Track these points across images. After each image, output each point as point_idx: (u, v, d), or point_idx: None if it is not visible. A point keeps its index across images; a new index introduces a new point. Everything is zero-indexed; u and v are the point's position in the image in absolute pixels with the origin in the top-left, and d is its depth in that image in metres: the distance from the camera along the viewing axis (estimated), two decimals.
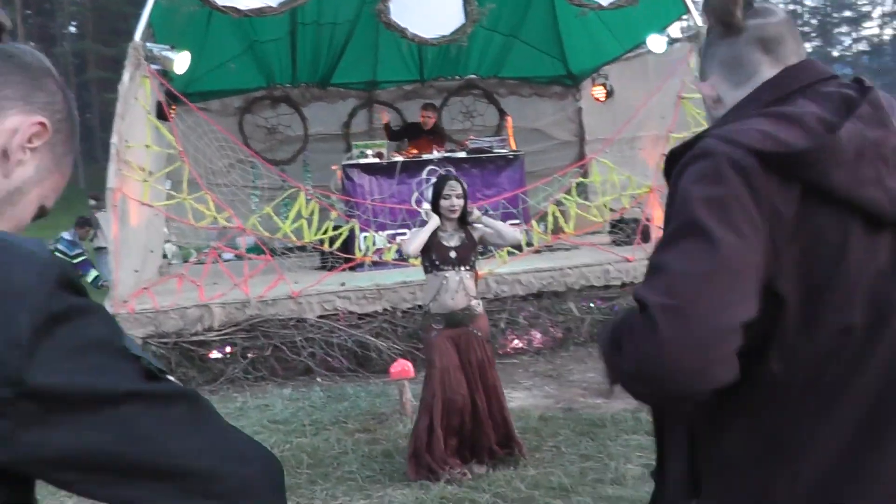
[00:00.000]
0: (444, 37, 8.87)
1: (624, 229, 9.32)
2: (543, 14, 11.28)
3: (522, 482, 4.35)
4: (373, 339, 7.12)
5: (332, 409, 5.97)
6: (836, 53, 53.79)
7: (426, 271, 4.67)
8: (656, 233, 8.62)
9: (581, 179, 9.46)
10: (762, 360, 1.21)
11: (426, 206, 6.98)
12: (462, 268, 4.57)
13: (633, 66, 10.94)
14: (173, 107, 8.42)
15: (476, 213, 4.72)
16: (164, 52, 7.61)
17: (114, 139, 7.09)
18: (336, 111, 12.24)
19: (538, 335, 7.60)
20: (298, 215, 7.86)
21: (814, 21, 56.13)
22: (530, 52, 11.97)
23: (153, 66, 7.68)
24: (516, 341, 7.55)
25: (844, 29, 57.11)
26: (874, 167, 1.20)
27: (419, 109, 10.60)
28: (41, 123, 1.03)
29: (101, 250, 11.44)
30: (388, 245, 8.55)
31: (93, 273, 11.11)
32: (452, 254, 4.58)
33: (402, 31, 8.63)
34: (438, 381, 4.47)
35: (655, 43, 9.21)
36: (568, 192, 8.82)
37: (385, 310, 7.38)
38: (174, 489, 0.93)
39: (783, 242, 1.19)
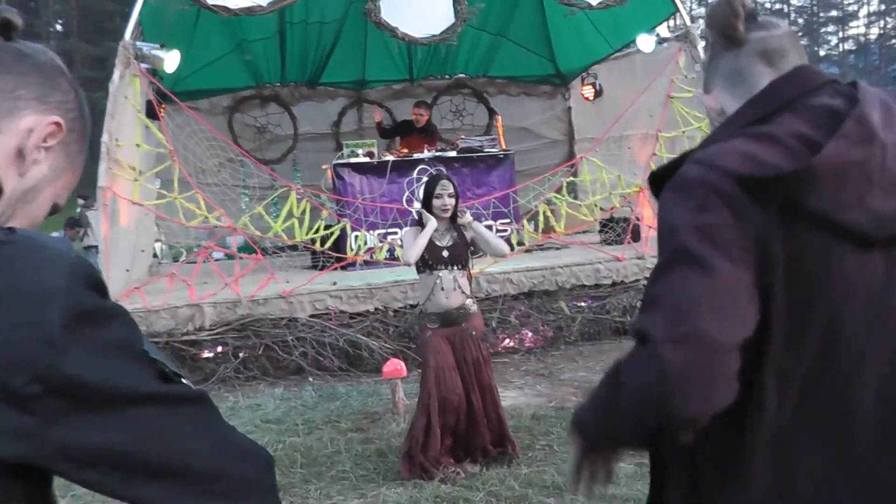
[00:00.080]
0: (434, 36, 8.89)
1: (614, 228, 9.35)
2: (532, 13, 11.31)
3: (516, 481, 4.37)
4: (364, 338, 7.13)
5: (325, 409, 5.97)
6: (822, 52, 54.10)
7: (419, 271, 4.67)
8: (646, 232, 8.66)
9: (571, 178, 9.48)
10: (755, 378, 1.21)
11: (417, 205, 6.99)
12: (455, 267, 4.57)
13: (621, 66, 10.99)
14: (163, 105, 8.40)
15: (467, 217, 4.70)
16: (154, 51, 7.58)
17: (104, 138, 7.07)
18: (325, 110, 12.24)
19: (529, 334, 7.62)
20: (290, 214, 7.86)
21: (800, 20, 56.40)
22: (519, 51, 12.00)
23: (143, 65, 7.66)
24: (508, 340, 7.57)
25: (831, 28, 57.45)
26: (855, 189, 1.19)
27: (409, 108, 10.61)
28: (56, 123, 1.03)
29: (90, 249, 11.41)
30: (380, 244, 8.55)
31: None
32: (445, 253, 4.58)
33: (392, 31, 8.63)
34: (434, 380, 4.48)
35: (644, 42, 9.26)
36: (558, 191, 8.85)
37: (376, 309, 7.39)
38: (184, 488, 0.96)
39: (769, 263, 1.19)
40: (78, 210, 14.29)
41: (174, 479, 0.95)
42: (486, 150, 9.55)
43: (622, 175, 8.90)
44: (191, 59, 8.95)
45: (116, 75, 7.28)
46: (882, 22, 56.05)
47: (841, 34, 57.29)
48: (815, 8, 57.31)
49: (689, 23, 9.43)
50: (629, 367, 1.21)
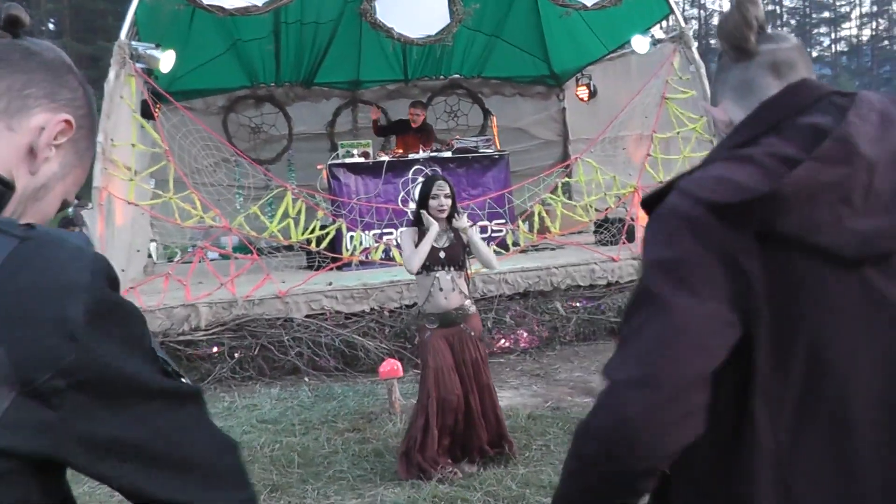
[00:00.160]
0: (429, 37, 8.90)
1: (609, 229, 9.37)
2: (526, 14, 11.32)
3: (513, 481, 4.38)
4: (360, 338, 7.13)
5: (321, 409, 5.97)
6: (815, 54, 54.28)
7: (416, 272, 4.68)
8: (641, 232, 8.68)
9: (566, 179, 9.51)
10: (746, 403, 1.21)
11: (412, 205, 6.95)
12: (452, 268, 4.58)
13: (616, 67, 11.01)
14: (158, 105, 8.39)
15: (463, 221, 4.65)
16: (149, 51, 7.59)
17: (99, 138, 7.05)
18: (320, 110, 12.24)
19: (525, 334, 7.64)
20: (285, 214, 7.86)
21: (793, 21, 56.61)
22: (513, 51, 12.01)
23: (138, 65, 7.65)
24: (503, 340, 7.59)
25: (823, 29, 57.64)
26: (831, 210, 1.17)
27: (404, 108, 10.61)
28: (66, 121, 1.04)
29: None
30: (375, 245, 8.56)
31: None
32: (442, 254, 4.58)
33: (387, 31, 8.64)
34: (433, 380, 4.48)
35: (639, 43, 9.28)
36: (553, 191, 8.88)
37: (372, 309, 7.39)
38: (187, 480, 0.99)
39: (748, 288, 1.18)
40: (70, 210, 14.23)
41: (179, 472, 0.98)
42: (482, 150, 9.57)
43: (617, 176, 8.93)
44: (185, 59, 8.94)
45: (112, 75, 7.27)
46: (874, 23, 56.31)
47: (833, 35, 57.51)
48: (807, 9, 57.52)
49: (683, 24, 9.47)
50: (593, 412, 1.23)
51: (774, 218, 1.17)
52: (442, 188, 4.69)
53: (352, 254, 8.43)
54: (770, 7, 54.10)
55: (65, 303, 0.88)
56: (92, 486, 4.42)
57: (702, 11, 58.21)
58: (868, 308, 1.20)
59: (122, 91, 7.43)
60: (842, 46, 57.04)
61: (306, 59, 11.50)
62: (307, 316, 7.24)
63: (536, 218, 8.65)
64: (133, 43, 7.56)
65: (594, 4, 8.83)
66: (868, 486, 1.19)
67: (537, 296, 7.90)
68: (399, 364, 5.85)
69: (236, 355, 6.96)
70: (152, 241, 9.96)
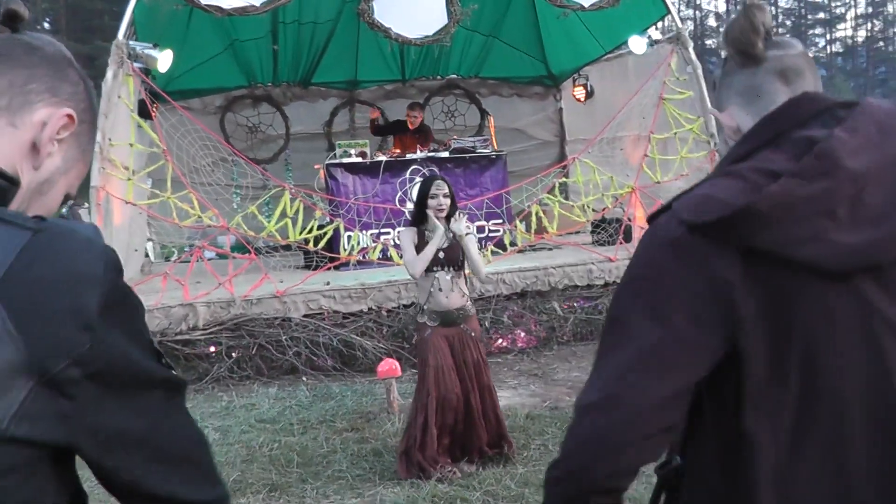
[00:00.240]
0: (427, 37, 8.90)
1: (606, 229, 9.39)
2: (524, 14, 11.33)
3: (512, 480, 4.39)
4: (358, 338, 7.14)
5: (319, 408, 5.98)
6: (810, 55, 54.36)
7: None
8: (638, 232, 8.72)
9: (563, 179, 9.52)
10: (735, 417, 1.22)
11: (409, 205, 6.94)
12: (451, 268, 4.58)
13: (613, 67, 11.03)
14: (156, 105, 8.38)
15: (462, 227, 4.59)
16: (147, 51, 7.57)
17: (98, 137, 7.04)
18: (317, 110, 12.24)
19: (522, 334, 7.65)
20: (283, 214, 7.86)
21: (788, 22, 56.73)
22: (511, 52, 12.02)
23: (136, 65, 7.64)
24: (501, 340, 7.60)
25: (818, 31, 57.77)
26: (811, 224, 1.16)
27: (401, 108, 10.60)
28: (68, 115, 1.05)
29: None
30: (373, 244, 8.57)
31: None
32: (441, 255, 4.58)
33: (385, 31, 8.64)
34: (433, 379, 4.48)
35: (636, 44, 9.29)
36: (550, 191, 8.89)
37: (370, 309, 7.40)
38: (178, 475, 1.01)
39: (732, 306, 1.18)
40: (65, 210, 14.22)
41: (173, 465, 1.01)
42: (479, 150, 9.58)
43: (614, 176, 8.94)
44: (183, 59, 8.93)
45: (110, 74, 7.26)
46: (869, 24, 56.44)
47: (828, 36, 57.64)
48: (802, 10, 57.64)
49: (680, 25, 9.49)
50: (565, 436, 1.29)
51: (754, 233, 1.17)
52: (441, 188, 4.69)
53: (349, 253, 8.43)
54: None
55: (80, 293, 0.89)
56: (91, 485, 4.42)
57: (697, 12, 58.31)
58: (861, 320, 1.19)
59: (120, 91, 7.42)
60: (837, 47, 57.19)
61: (304, 59, 11.50)
62: (305, 315, 7.24)
63: (534, 218, 8.66)
64: (131, 42, 7.55)
65: (591, 5, 8.84)
66: (865, 496, 1.20)
67: (535, 296, 7.91)
68: (397, 364, 5.85)
69: (234, 355, 6.96)
70: (149, 240, 9.95)
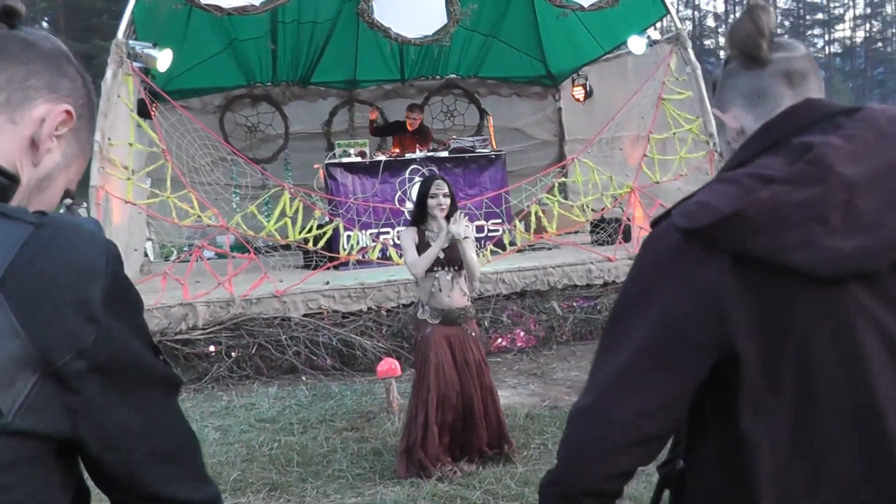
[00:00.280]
0: (427, 37, 8.90)
1: (605, 229, 9.40)
2: (523, 14, 11.33)
3: (512, 479, 4.40)
4: (357, 337, 7.14)
5: (319, 408, 5.98)
6: (812, 57, 54.41)
7: None
8: (637, 232, 8.73)
9: (563, 179, 9.53)
10: (733, 418, 1.22)
11: (409, 204, 6.94)
12: (452, 268, 4.58)
13: (612, 67, 11.04)
14: (155, 104, 8.39)
15: (461, 230, 4.49)
16: (147, 50, 7.57)
17: (97, 137, 7.04)
18: (316, 110, 12.23)
19: (521, 334, 7.66)
20: (282, 214, 7.86)
21: (786, 23, 56.78)
22: (510, 52, 12.03)
23: (135, 64, 7.64)
24: (500, 340, 7.60)
25: (817, 31, 57.81)
26: (802, 230, 1.16)
27: (400, 108, 10.60)
28: (67, 111, 1.04)
29: None
30: (372, 244, 8.57)
31: None
32: (441, 255, 4.57)
33: (385, 31, 8.64)
34: (434, 376, 4.47)
35: (635, 44, 9.30)
36: (550, 191, 8.89)
37: (370, 308, 7.40)
38: (173, 473, 1.02)
39: (729, 308, 1.18)
40: (62, 211, 14.22)
41: (170, 463, 1.02)
42: (478, 150, 9.58)
43: (613, 176, 8.95)
44: (182, 58, 8.93)
45: (109, 74, 7.26)
46: (868, 25, 56.50)
47: (827, 37, 57.68)
48: (801, 10, 57.69)
49: (679, 25, 9.49)
50: (561, 438, 1.35)
51: (745, 239, 1.17)
52: (441, 187, 4.69)
53: (349, 253, 8.43)
54: None
55: (83, 286, 0.90)
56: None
57: (696, 12, 58.34)
58: (856, 326, 1.19)
59: (120, 90, 7.42)
60: (836, 48, 57.23)
61: (303, 59, 11.50)
62: (304, 315, 7.24)
63: (533, 218, 8.66)
64: (130, 42, 7.55)
65: (591, 5, 8.84)
66: (865, 497, 1.20)
67: (534, 295, 7.92)
68: (397, 363, 5.86)
69: (234, 354, 6.96)
70: (149, 240, 9.95)
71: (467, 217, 4.88)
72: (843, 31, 57.66)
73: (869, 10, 56.64)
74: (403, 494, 4.29)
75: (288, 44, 11.08)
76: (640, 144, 9.18)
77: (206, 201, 7.72)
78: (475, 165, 9.53)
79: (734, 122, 1.38)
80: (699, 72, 8.98)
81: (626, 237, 8.79)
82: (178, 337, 6.89)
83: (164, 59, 7.61)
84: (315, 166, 9.78)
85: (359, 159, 9.22)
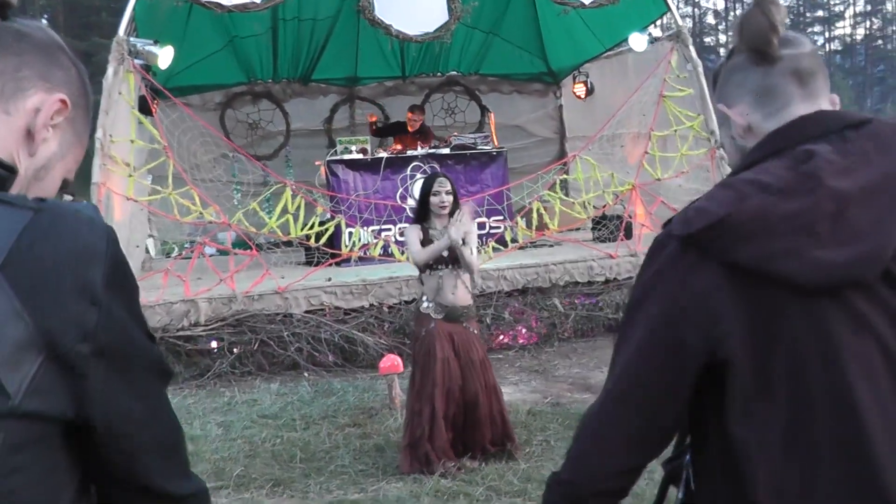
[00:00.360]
0: (428, 34, 8.89)
1: (607, 226, 9.40)
2: (524, 11, 11.33)
3: (515, 476, 4.41)
4: (359, 334, 7.15)
5: (321, 404, 5.99)
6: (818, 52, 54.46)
7: (420, 271, 4.68)
8: (638, 229, 8.73)
9: (564, 176, 9.53)
10: (722, 422, 1.23)
11: (411, 201, 6.96)
12: (455, 266, 4.58)
13: (612, 65, 11.04)
14: (156, 101, 8.39)
15: (459, 234, 4.44)
16: (148, 47, 7.58)
17: (98, 134, 7.04)
18: (317, 107, 12.22)
19: (523, 331, 7.67)
20: (284, 210, 7.87)
21: (787, 20, 56.70)
22: (511, 49, 12.02)
23: (136, 61, 7.64)
24: (502, 337, 7.61)
25: (817, 28, 57.79)
26: (789, 240, 1.16)
27: (401, 105, 10.58)
28: (62, 100, 1.04)
29: None
30: (374, 241, 8.57)
31: None
32: (445, 252, 4.57)
33: (386, 28, 8.64)
34: (440, 370, 4.47)
35: (637, 41, 9.30)
36: (551, 188, 8.90)
37: (371, 305, 7.40)
38: (167, 465, 1.04)
39: (720, 316, 1.19)
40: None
41: (165, 454, 1.03)
42: (480, 147, 9.58)
43: (615, 173, 8.95)
44: (183, 55, 8.93)
45: (110, 71, 7.25)
46: (868, 22, 56.48)
47: (827, 34, 57.67)
48: (801, 8, 57.66)
49: (680, 22, 9.49)
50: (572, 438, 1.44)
51: (735, 246, 1.18)
52: (443, 185, 4.70)
53: (351, 250, 8.44)
54: None
55: (85, 269, 0.91)
56: None
57: (696, 10, 58.31)
58: (849, 335, 1.19)
59: (121, 87, 7.41)
60: (836, 45, 57.22)
61: (304, 56, 11.49)
62: (306, 311, 7.25)
63: (535, 215, 8.67)
64: (131, 39, 7.55)
65: (592, 2, 8.83)
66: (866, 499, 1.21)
67: (536, 292, 7.92)
68: (399, 360, 5.87)
69: (236, 351, 6.97)
70: (150, 236, 9.95)
71: (473, 206, 4.85)
72: (843, 28, 57.68)
73: (869, 8, 56.63)
74: (406, 490, 4.30)
75: (288, 41, 11.07)
76: (641, 142, 9.18)
77: (207, 198, 7.73)
78: (476, 162, 9.53)
79: (741, 118, 1.35)
80: (700, 69, 8.98)
81: (628, 234, 8.79)
82: (180, 333, 6.90)
83: (165, 56, 7.62)
84: (316, 163, 9.78)
85: (360, 156, 9.22)
